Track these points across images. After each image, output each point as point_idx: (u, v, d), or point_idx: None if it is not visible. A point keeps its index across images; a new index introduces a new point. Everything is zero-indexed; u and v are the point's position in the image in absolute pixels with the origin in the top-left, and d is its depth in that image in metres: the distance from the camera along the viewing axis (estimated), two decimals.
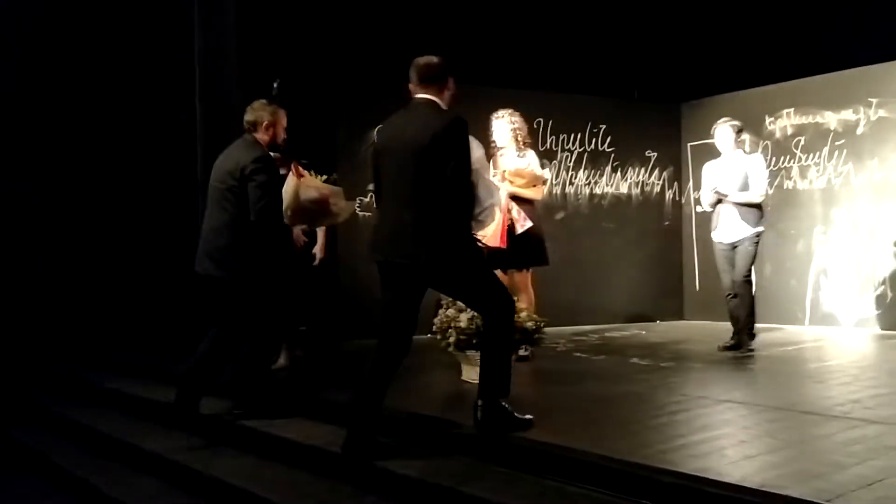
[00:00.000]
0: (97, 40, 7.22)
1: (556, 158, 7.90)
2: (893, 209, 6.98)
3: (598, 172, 8.12)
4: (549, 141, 7.83)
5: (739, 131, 5.73)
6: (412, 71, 3.50)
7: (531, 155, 5.47)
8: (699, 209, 5.68)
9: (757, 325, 7.58)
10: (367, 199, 6.14)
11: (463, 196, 3.39)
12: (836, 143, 7.34)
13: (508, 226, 5.20)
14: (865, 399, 3.88)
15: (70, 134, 7.24)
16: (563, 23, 7.31)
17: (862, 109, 7.18)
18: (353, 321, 6.55)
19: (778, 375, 5.00)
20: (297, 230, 4.94)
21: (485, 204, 3.53)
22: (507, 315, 3.49)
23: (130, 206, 7.25)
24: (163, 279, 6.88)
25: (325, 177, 4.99)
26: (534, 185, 5.42)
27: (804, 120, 7.58)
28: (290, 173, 4.63)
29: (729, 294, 5.65)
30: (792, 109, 7.64)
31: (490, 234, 5.24)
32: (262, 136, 4.23)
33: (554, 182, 7.84)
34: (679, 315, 8.37)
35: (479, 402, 3.37)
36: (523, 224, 5.27)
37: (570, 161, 8.00)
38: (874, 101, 7.09)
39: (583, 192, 8.03)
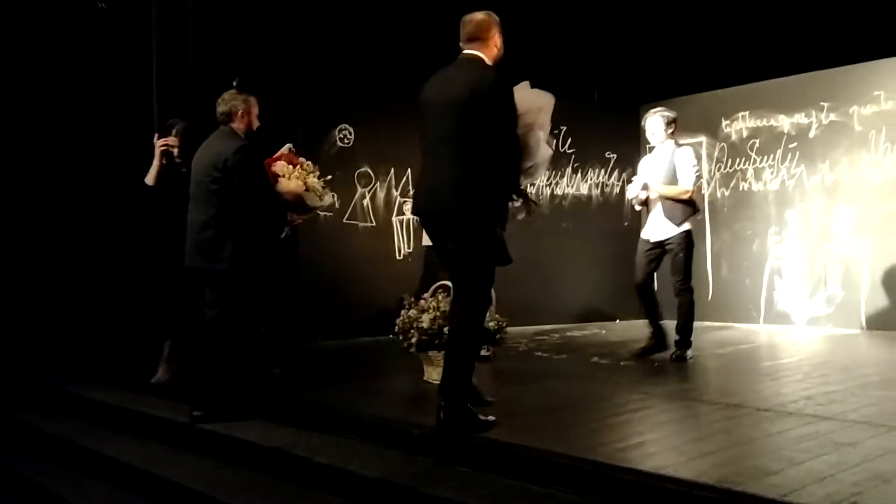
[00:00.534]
0: (51, 41, 7.05)
1: None
2: (844, 211, 7.18)
3: (559, 173, 8.20)
4: None
5: (671, 122, 5.33)
6: (461, 28, 3.53)
7: None
8: (638, 208, 5.45)
9: (713, 324, 7.81)
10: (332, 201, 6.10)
11: (501, 154, 3.36)
12: (790, 146, 7.52)
13: None
14: (817, 396, 3.98)
15: (24, 138, 7.05)
16: (523, 26, 7.35)
17: (814, 113, 7.37)
18: (316, 322, 6.52)
19: (734, 373, 5.11)
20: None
21: (536, 159, 3.53)
22: (480, 308, 3.42)
23: (86, 209, 7.08)
24: (120, 283, 6.74)
25: (319, 174, 4.95)
26: None
27: (759, 123, 7.75)
28: (281, 161, 4.66)
29: (639, 285, 5.31)
30: (747, 112, 7.82)
31: None
32: (237, 125, 4.26)
33: None
34: (638, 314, 8.44)
35: (442, 403, 3.36)
36: None
37: None
38: (826, 105, 7.28)
39: (544, 193, 8.10)
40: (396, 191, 7.14)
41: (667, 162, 5.28)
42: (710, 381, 4.97)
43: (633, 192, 5.35)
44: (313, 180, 4.70)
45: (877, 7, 6.79)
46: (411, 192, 6.02)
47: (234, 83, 5.85)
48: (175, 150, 4.80)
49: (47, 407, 5.33)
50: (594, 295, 8.26)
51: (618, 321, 8.19)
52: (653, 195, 5.29)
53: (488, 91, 3.31)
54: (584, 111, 8.30)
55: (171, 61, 6.24)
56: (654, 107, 8.31)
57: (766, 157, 7.70)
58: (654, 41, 8.13)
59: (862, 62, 7.02)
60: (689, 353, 5.25)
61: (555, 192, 8.20)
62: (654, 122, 5.35)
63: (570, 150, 8.24)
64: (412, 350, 4.45)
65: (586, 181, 8.38)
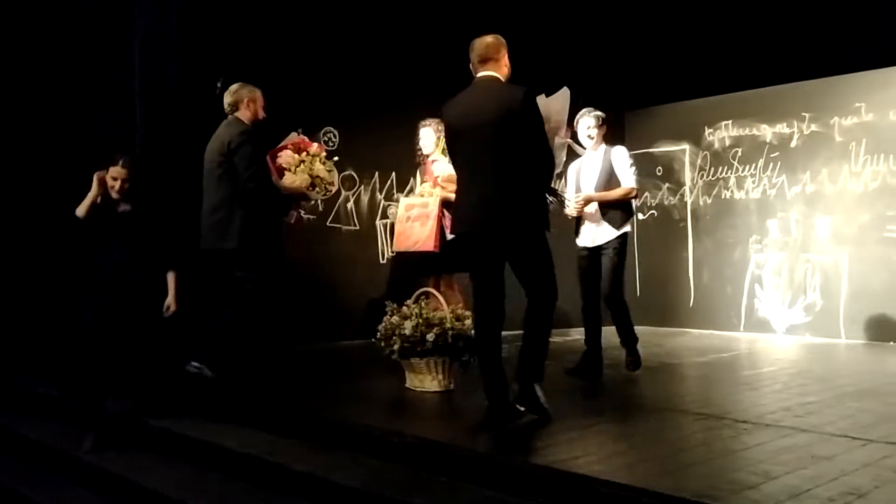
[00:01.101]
0: (32, 32, 6.97)
1: None
2: (823, 221, 7.25)
3: None
4: None
5: (604, 122, 5.02)
6: (471, 52, 3.75)
7: None
8: (573, 215, 5.01)
9: (694, 331, 7.86)
10: (313, 203, 6.07)
11: (541, 163, 3.67)
12: (771, 156, 7.59)
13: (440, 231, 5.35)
14: (795, 407, 4.01)
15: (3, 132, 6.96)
16: (506, 31, 7.35)
17: (796, 123, 7.44)
18: (297, 325, 6.48)
19: (714, 382, 5.14)
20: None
21: (557, 159, 3.78)
22: (552, 301, 3.69)
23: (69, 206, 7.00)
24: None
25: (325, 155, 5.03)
26: None
27: (741, 132, 7.81)
28: (288, 149, 4.83)
29: (586, 300, 4.98)
30: (730, 121, 7.88)
31: (423, 239, 5.34)
32: (243, 113, 4.54)
33: None
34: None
35: (515, 386, 3.60)
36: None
37: None
38: (807, 115, 7.35)
39: None
40: (381, 194, 7.12)
41: (601, 164, 4.95)
42: (690, 390, 4.99)
43: (573, 209, 4.93)
44: (320, 167, 4.80)
45: (858, 21, 6.86)
46: (396, 196, 6.02)
47: (219, 84, 5.83)
48: (116, 184, 4.24)
49: (21, 408, 5.27)
50: (575, 302, 8.22)
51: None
52: (590, 209, 4.92)
53: (522, 107, 3.56)
54: (568, 117, 8.29)
55: (155, 63, 6.18)
56: (639, 113, 8.51)
57: (748, 166, 7.76)
58: (638, 49, 8.17)
59: (843, 74, 7.09)
60: (639, 348, 4.99)
61: None
62: (589, 123, 5.00)
63: None
64: (394, 357, 4.44)
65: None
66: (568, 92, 3.84)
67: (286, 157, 4.76)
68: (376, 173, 7.09)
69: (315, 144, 4.96)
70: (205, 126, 4.75)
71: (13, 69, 6.86)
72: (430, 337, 4.26)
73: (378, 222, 7.13)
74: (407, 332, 4.31)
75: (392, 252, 6.08)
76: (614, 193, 4.92)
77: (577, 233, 5.07)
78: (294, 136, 4.98)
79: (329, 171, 4.89)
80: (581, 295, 5.01)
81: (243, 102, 4.52)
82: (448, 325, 4.30)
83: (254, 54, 6.15)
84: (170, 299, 4.32)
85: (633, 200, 5.07)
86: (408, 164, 5.99)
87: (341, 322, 6.66)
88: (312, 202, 5.47)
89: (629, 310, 5.05)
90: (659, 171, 8.33)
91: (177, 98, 6.01)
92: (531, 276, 3.68)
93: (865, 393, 4.43)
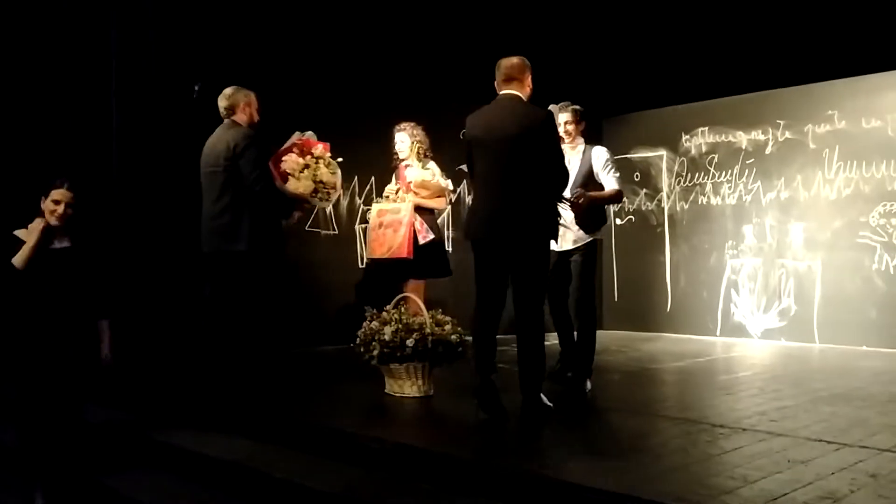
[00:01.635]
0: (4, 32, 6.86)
1: None
2: (797, 227, 7.35)
3: None
4: None
5: (581, 119, 4.78)
6: (497, 70, 4.00)
7: (433, 166, 5.67)
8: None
9: (671, 335, 7.93)
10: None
11: (556, 180, 3.98)
12: (747, 162, 7.68)
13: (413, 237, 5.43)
14: (771, 412, 4.06)
15: None
16: (484, 37, 7.38)
17: (771, 130, 7.54)
18: (284, 330, 6.43)
19: (692, 387, 5.19)
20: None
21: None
22: (541, 311, 3.93)
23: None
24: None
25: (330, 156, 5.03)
26: (438, 196, 5.65)
27: (717, 138, 7.90)
28: (292, 153, 4.81)
29: (553, 309, 4.73)
30: (707, 128, 7.96)
31: (396, 246, 5.37)
32: (240, 116, 4.56)
33: None
34: (598, 325, 8.55)
35: (525, 399, 3.83)
36: (426, 236, 5.47)
37: None
38: (782, 122, 7.45)
39: None
40: (360, 199, 7.11)
41: (580, 164, 4.70)
42: (669, 395, 5.04)
43: (569, 216, 4.61)
44: (324, 171, 4.80)
45: (830, 31, 6.97)
46: (376, 200, 5.99)
47: (196, 88, 5.79)
48: (59, 209, 3.65)
49: None
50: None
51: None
52: (567, 216, 4.59)
53: (541, 126, 3.85)
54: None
55: (132, 68, 6.11)
56: (616, 119, 8.57)
57: (724, 172, 7.84)
58: (616, 56, 8.23)
59: (816, 82, 7.20)
60: (589, 384, 4.67)
61: None
62: (564, 118, 4.74)
63: None
64: (373, 363, 4.42)
65: None
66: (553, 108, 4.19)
67: (290, 162, 4.75)
68: (356, 177, 7.07)
69: (320, 145, 4.93)
70: (183, 131, 4.71)
71: None
72: (409, 342, 4.25)
73: (357, 227, 7.11)
74: (387, 337, 4.30)
75: (368, 259, 6.06)
76: (606, 193, 4.70)
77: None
78: (297, 136, 4.92)
79: (333, 172, 4.91)
80: (548, 299, 4.58)
81: (239, 106, 4.57)
82: (428, 331, 4.30)
83: (232, 59, 6.11)
84: (105, 350, 3.75)
85: (611, 206, 5.05)
86: (387, 169, 5.99)
87: (320, 327, 6.63)
88: (315, 208, 5.48)
89: (597, 321, 4.87)
90: (636, 176, 8.40)
91: (154, 102, 5.95)
92: (527, 287, 3.87)
93: (839, 397, 4.50)
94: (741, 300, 7.69)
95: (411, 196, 5.52)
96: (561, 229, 4.66)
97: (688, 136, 8.09)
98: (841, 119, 7.09)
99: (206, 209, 4.50)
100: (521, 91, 3.97)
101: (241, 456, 3.62)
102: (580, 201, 4.52)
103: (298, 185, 4.72)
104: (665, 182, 8.26)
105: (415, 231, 5.44)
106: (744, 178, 7.69)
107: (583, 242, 4.72)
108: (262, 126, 4.83)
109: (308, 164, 4.76)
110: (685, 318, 8.03)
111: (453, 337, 4.43)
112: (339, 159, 5.14)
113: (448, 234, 7.45)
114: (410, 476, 3.24)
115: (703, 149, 8.00)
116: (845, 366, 5.91)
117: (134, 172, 5.94)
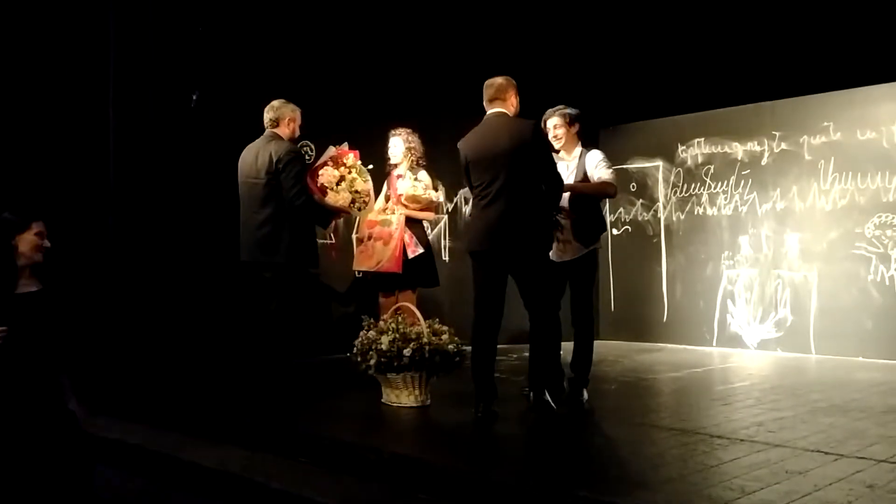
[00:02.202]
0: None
1: None
2: (793, 237, 7.37)
3: None
4: None
5: (573, 121, 4.63)
6: (484, 90, 4.22)
7: (424, 176, 5.66)
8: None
9: (668, 346, 7.93)
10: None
11: (551, 187, 4.15)
12: (743, 173, 7.70)
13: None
14: (768, 422, 4.06)
15: None
16: (482, 48, 7.41)
17: (766, 142, 7.57)
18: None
19: (689, 397, 5.19)
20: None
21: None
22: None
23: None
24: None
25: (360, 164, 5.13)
26: (428, 209, 5.70)
27: (714, 149, 7.93)
28: (328, 165, 4.93)
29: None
30: (703, 139, 7.98)
31: (386, 260, 5.38)
32: (283, 130, 4.69)
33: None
34: (595, 335, 8.54)
35: (532, 395, 4.15)
36: (415, 250, 5.49)
37: None
38: (777, 134, 7.48)
39: None
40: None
41: (575, 169, 4.59)
42: (666, 405, 5.03)
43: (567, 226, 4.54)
44: (360, 182, 4.90)
45: (827, 41, 7.01)
46: (357, 208, 6.00)
47: (194, 97, 5.80)
48: (43, 242, 3.26)
49: None
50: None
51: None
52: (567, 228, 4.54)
53: (532, 137, 4.03)
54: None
55: (130, 73, 6.11)
56: (613, 130, 8.59)
57: (720, 183, 7.87)
58: (613, 66, 8.26)
59: (812, 94, 7.24)
60: (586, 394, 4.62)
61: None
62: (555, 122, 4.61)
63: None
64: (370, 372, 4.41)
65: None
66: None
67: (327, 175, 4.91)
68: None
69: (351, 154, 5.05)
70: (181, 140, 4.70)
71: None
72: (406, 352, 4.25)
73: (354, 236, 7.09)
74: (384, 346, 4.29)
75: (355, 270, 6.01)
76: (592, 184, 4.54)
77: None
78: (332, 151, 5.04)
79: (365, 180, 5.05)
80: None
81: (284, 120, 4.70)
82: (425, 340, 4.29)
83: (229, 67, 6.12)
84: (76, 408, 3.18)
85: (608, 215, 5.06)
86: (383, 177, 5.99)
87: (316, 337, 6.60)
88: (354, 217, 5.68)
89: (594, 334, 4.85)
90: (633, 187, 8.41)
91: (152, 111, 5.95)
92: (535, 295, 4.10)
93: (836, 408, 4.50)
94: (737, 311, 7.70)
95: (400, 209, 5.53)
96: (562, 244, 4.60)
97: (684, 147, 8.11)
98: (836, 130, 7.12)
99: (245, 219, 4.60)
100: (506, 108, 4.17)
101: (236, 466, 3.60)
102: (566, 193, 4.40)
103: (338, 198, 4.91)
104: (661, 192, 8.27)
105: (404, 245, 5.46)
106: (740, 189, 7.72)
107: (580, 254, 4.63)
108: (251, 134, 4.86)
109: (343, 176, 4.86)
110: (682, 328, 8.03)
111: (451, 347, 4.43)
112: (370, 166, 5.19)
113: (445, 244, 7.45)
114: (407, 487, 3.23)
115: (700, 159, 8.02)
116: (842, 376, 5.91)
117: (131, 182, 5.91)
